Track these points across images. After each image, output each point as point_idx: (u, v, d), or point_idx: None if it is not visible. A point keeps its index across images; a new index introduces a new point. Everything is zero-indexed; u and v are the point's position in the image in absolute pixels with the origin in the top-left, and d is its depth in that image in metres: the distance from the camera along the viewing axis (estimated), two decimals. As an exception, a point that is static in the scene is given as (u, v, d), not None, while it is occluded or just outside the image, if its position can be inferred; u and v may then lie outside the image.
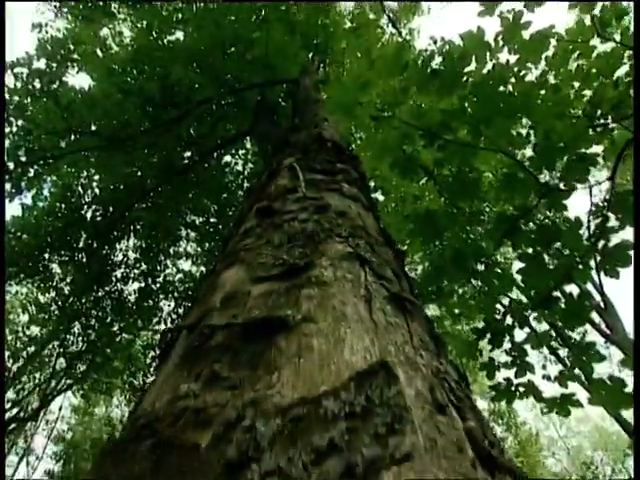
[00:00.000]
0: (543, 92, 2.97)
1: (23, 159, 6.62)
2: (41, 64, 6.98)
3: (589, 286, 9.51)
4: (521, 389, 2.87)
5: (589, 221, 2.64)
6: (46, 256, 7.93)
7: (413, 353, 0.64)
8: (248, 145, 8.94)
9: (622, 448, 17.17)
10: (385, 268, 0.93)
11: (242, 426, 0.46)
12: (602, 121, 3.13)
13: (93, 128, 6.70)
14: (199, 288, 1.06)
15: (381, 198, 6.93)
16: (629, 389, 2.52)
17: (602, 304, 9.66)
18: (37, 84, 6.78)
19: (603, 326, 9.89)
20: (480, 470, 0.46)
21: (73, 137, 6.74)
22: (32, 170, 6.87)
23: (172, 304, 9.17)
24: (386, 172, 4.10)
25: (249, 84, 6.55)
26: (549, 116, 2.61)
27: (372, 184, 6.32)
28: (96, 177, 8.15)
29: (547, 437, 23.06)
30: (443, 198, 3.12)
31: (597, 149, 3.07)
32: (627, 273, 2.58)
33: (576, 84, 3.44)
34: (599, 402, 2.59)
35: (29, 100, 6.64)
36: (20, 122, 6.51)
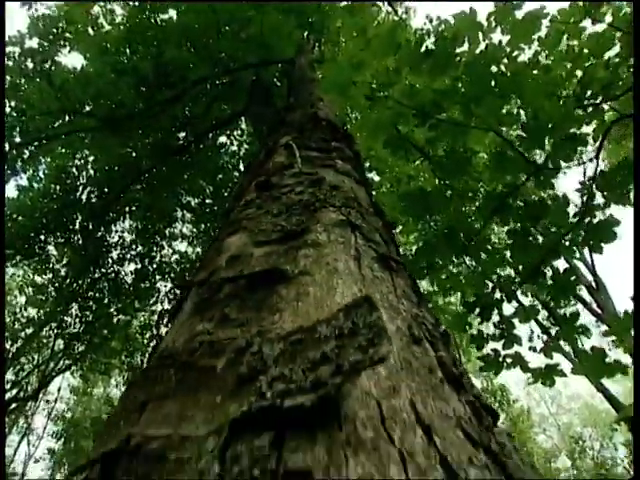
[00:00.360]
0: (535, 72, 3.01)
1: (17, 140, 6.60)
2: (33, 43, 6.90)
3: (582, 267, 9.59)
4: (508, 360, 2.99)
5: (582, 200, 2.71)
6: (42, 238, 7.94)
7: (396, 301, 0.74)
8: (243, 126, 8.91)
9: (610, 423, 17.65)
10: (374, 234, 1.03)
11: (251, 351, 0.55)
12: (591, 101, 3.18)
13: (87, 109, 6.67)
14: (205, 254, 1.14)
15: (377, 178, 6.98)
16: (610, 359, 2.65)
17: (594, 284, 9.81)
18: (30, 64, 6.71)
19: (594, 305, 10.07)
20: (447, 387, 0.56)
21: (67, 118, 6.71)
22: (27, 151, 6.85)
23: (169, 285, 9.26)
24: (381, 153, 4.15)
25: (244, 64, 6.51)
26: (539, 96, 2.66)
27: (367, 164, 6.36)
28: (91, 158, 8.13)
29: (538, 414, 23.65)
30: (436, 178, 3.19)
31: (588, 130, 3.13)
32: (617, 252, 2.67)
33: (568, 65, 3.48)
34: (581, 371, 2.72)
35: (22, 80, 6.57)
36: (14, 102, 6.46)
